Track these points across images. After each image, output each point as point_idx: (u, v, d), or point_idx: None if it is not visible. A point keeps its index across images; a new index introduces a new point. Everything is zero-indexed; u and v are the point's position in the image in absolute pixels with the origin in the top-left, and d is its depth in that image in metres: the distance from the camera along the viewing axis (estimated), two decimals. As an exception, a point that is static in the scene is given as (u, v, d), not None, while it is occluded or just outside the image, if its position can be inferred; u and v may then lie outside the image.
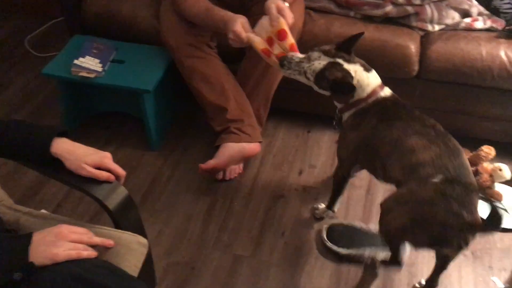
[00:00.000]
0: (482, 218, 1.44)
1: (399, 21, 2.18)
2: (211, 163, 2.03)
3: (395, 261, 1.71)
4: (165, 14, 2.09)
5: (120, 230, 1.25)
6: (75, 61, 2.07)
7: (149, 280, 1.37)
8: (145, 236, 1.30)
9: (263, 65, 2.02)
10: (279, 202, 2.07)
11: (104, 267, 1.10)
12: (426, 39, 2.15)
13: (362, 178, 2.14)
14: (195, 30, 2.04)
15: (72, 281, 1.03)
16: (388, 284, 1.79)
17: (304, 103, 2.36)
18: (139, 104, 2.12)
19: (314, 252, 1.89)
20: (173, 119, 2.41)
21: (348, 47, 1.63)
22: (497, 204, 2.00)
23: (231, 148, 2.05)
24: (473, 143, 2.13)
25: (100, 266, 1.09)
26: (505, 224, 1.96)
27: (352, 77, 1.60)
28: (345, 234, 1.91)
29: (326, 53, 1.62)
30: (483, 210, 1.83)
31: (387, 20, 2.18)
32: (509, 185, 2.09)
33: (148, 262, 1.29)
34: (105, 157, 1.25)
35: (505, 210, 2.00)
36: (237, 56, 2.15)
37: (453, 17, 2.19)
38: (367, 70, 1.63)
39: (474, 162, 2.07)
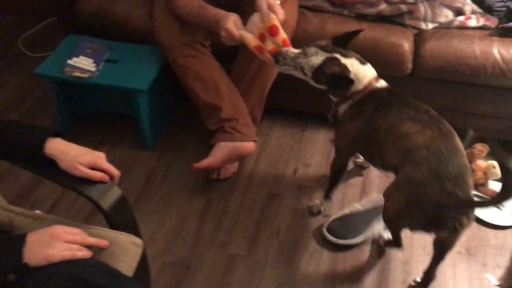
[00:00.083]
0: (496, 192, 1.39)
1: (393, 20, 2.19)
2: (205, 162, 2.03)
3: (397, 243, 1.80)
4: (159, 13, 2.08)
5: (114, 231, 1.25)
6: (69, 61, 2.07)
7: (144, 280, 1.37)
8: (140, 236, 1.30)
9: (257, 64, 2.02)
10: (274, 201, 2.07)
11: (99, 268, 1.10)
12: (419, 37, 2.16)
13: (356, 177, 2.15)
14: (189, 29, 2.03)
15: (67, 282, 1.03)
16: (384, 282, 1.80)
17: (299, 102, 2.37)
18: (133, 103, 2.11)
19: (309, 251, 1.89)
20: (168, 119, 2.41)
21: (344, 42, 1.65)
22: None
23: (225, 147, 2.05)
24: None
25: (95, 266, 1.10)
26: (499, 221, 1.98)
27: (349, 71, 1.62)
28: (344, 225, 1.93)
29: (323, 48, 1.64)
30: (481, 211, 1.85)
31: (381, 18, 2.19)
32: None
33: (143, 262, 1.28)
34: (99, 157, 1.25)
35: (499, 207, 2.00)
36: (231, 55, 2.14)
37: (447, 15, 2.20)
38: (362, 63, 1.66)
39: (468, 159, 2.07)
